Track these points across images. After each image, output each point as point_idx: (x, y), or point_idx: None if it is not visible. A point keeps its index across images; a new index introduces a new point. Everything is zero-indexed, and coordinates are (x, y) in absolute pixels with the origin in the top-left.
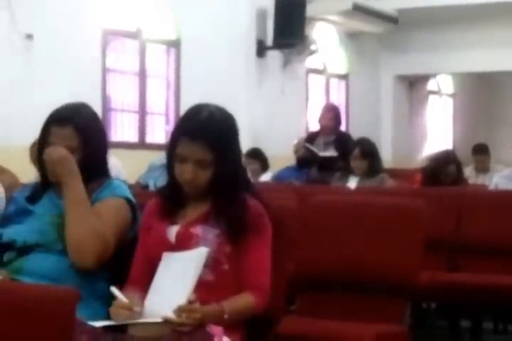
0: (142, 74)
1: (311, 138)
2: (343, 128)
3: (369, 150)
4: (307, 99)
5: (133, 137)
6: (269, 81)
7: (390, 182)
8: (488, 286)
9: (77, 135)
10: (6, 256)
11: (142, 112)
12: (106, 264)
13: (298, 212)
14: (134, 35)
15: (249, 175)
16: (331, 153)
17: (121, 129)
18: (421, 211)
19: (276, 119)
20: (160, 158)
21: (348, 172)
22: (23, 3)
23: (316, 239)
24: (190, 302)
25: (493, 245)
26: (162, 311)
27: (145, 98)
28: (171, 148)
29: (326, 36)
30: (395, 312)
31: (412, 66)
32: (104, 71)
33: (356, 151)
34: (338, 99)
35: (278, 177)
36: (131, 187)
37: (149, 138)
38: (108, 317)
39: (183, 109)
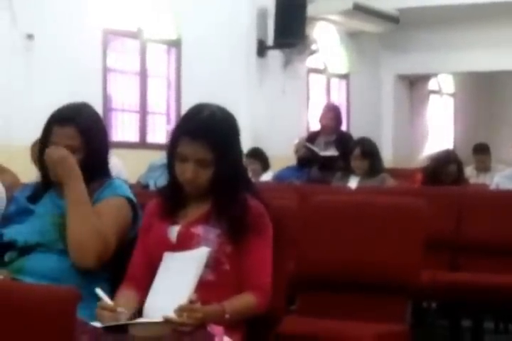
0: (143, 74)
1: (312, 137)
2: (343, 127)
3: (369, 150)
4: (308, 98)
5: (134, 137)
6: (270, 81)
7: (390, 182)
8: (489, 286)
9: (78, 135)
10: (7, 256)
11: (143, 112)
12: (106, 264)
13: (299, 211)
14: (135, 35)
15: (250, 174)
16: (331, 152)
17: (122, 129)
18: (422, 211)
19: (277, 119)
20: (160, 157)
21: (348, 172)
22: (24, 3)
23: (316, 239)
24: (191, 302)
25: (494, 245)
26: (163, 311)
27: (146, 98)
28: (172, 147)
29: (326, 36)
30: (395, 312)
31: (413, 66)
32: (105, 71)
33: (357, 151)
34: (338, 98)
35: (279, 177)
36: (131, 186)
37: (150, 138)
38: None
39: (184, 108)
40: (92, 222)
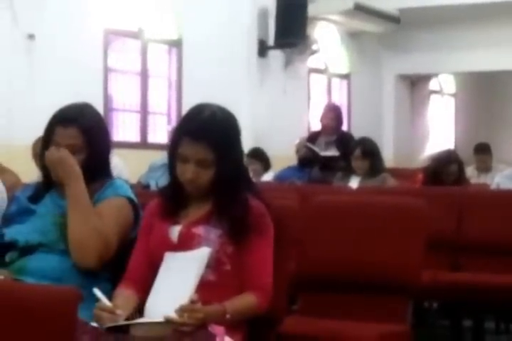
0: (144, 74)
1: (313, 137)
2: (344, 127)
3: (370, 150)
4: (309, 98)
5: (135, 137)
6: (271, 81)
7: (391, 182)
8: (490, 286)
9: (81, 135)
10: (9, 256)
11: (144, 112)
12: (108, 264)
13: (300, 211)
14: (136, 35)
15: (251, 174)
16: (332, 152)
17: (123, 129)
18: (423, 210)
19: (277, 119)
20: (161, 157)
21: (349, 172)
22: (25, 3)
23: (317, 239)
24: (192, 302)
25: (495, 245)
26: (164, 311)
27: (147, 98)
28: (173, 148)
29: (327, 36)
30: (396, 312)
31: (414, 66)
32: (106, 71)
33: (357, 151)
34: (339, 98)
35: (280, 177)
36: (132, 186)
37: (151, 138)
38: None
39: (185, 108)
40: (92, 222)
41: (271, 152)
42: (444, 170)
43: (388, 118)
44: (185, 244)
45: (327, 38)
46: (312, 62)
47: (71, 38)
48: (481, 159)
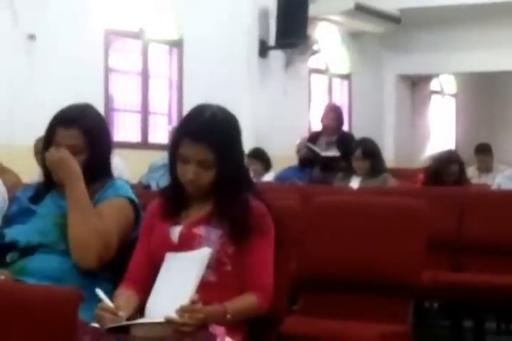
0: (145, 74)
1: (314, 138)
2: (345, 128)
3: (371, 151)
4: (309, 99)
5: (135, 137)
6: (272, 81)
7: (392, 182)
8: (490, 286)
9: (82, 136)
10: (9, 257)
11: (145, 112)
12: (108, 264)
13: (300, 212)
14: (137, 35)
15: (252, 175)
16: (333, 153)
17: (124, 129)
18: (423, 211)
19: (278, 119)
20: (161, 158)
21: (350, 172)
22: (26, 3)
23: (318, 239)
24: (192, 302)
25: (496, 245)
26: (164, 311)
27: (147, 98)
28: (174, 148)
29: (328, 36)
30: (397, 312)
31: (415, 66)
32: (107, 71)
33: (358, 151)
34: (340, 99)
35: (280, 178)
36: (132, 187)
37: (152, 138)
38: None
39: (186, 108)
40: (93, 223)
41: (271, 152)
42: (444, 170)
43: (389, 119)
44: (186, 244)
45: (328, 38)
46: (313, 62)
47: (72, 38)
48: (482, 159)
